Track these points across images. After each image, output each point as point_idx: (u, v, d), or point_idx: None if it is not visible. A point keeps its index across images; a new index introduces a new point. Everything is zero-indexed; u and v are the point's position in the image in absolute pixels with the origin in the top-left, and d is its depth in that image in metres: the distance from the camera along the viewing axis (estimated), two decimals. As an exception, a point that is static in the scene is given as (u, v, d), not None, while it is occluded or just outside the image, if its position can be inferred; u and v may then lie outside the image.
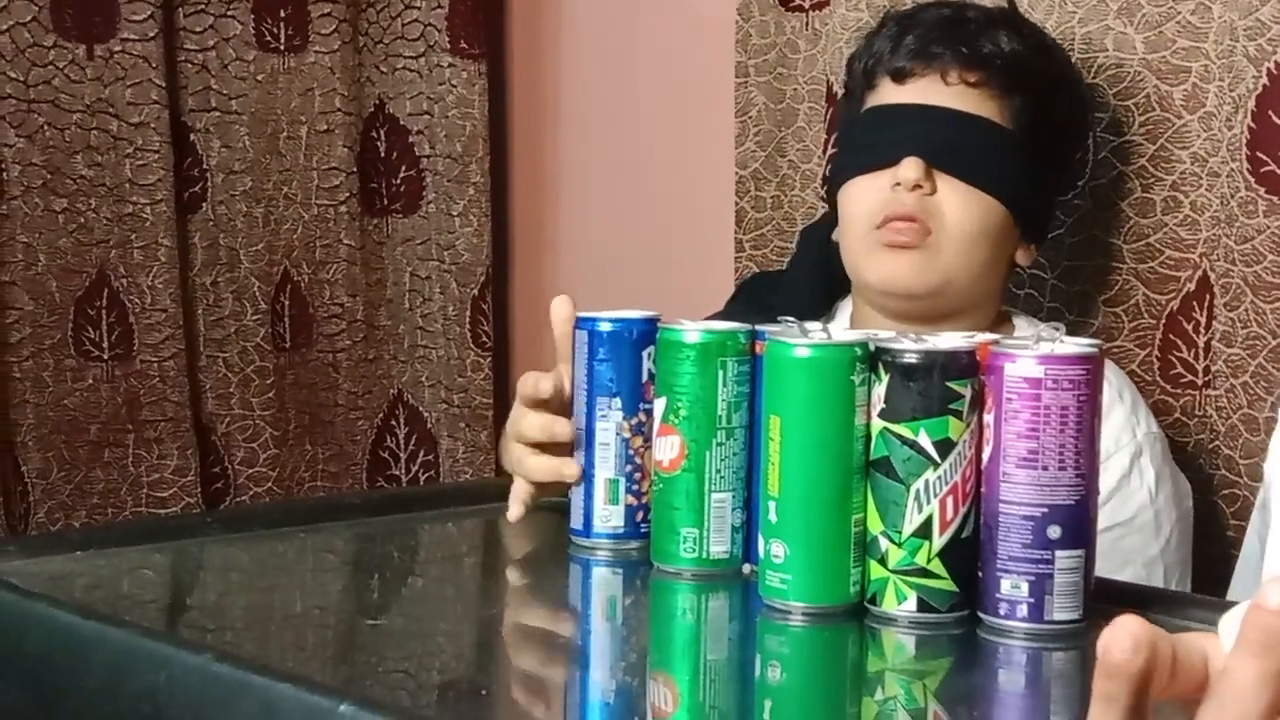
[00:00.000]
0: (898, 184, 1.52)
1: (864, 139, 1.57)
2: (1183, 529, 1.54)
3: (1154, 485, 1.52)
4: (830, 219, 1.63)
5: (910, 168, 1.52)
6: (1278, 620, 0.68)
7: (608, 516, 1.25)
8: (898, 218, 1.52)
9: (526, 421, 1.31)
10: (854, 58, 1.64)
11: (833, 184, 1.61)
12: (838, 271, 1.62)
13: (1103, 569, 1.44)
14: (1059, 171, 1.63)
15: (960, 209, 1.53)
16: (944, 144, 1.53)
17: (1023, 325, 1.61)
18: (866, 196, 1.54)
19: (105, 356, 2.12)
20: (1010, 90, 1.55)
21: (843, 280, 1.63)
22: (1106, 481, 1.50)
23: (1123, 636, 0.68)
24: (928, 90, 1.55)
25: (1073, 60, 1.65)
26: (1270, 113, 1.54)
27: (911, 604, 1.07)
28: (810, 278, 1.68)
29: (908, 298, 1.54)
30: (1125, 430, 1.52)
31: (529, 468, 1.31)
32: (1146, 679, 0.69)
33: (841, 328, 1.61)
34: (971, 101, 1.54)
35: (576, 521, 1.26)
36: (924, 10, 1.62)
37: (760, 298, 1.69)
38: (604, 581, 1.30)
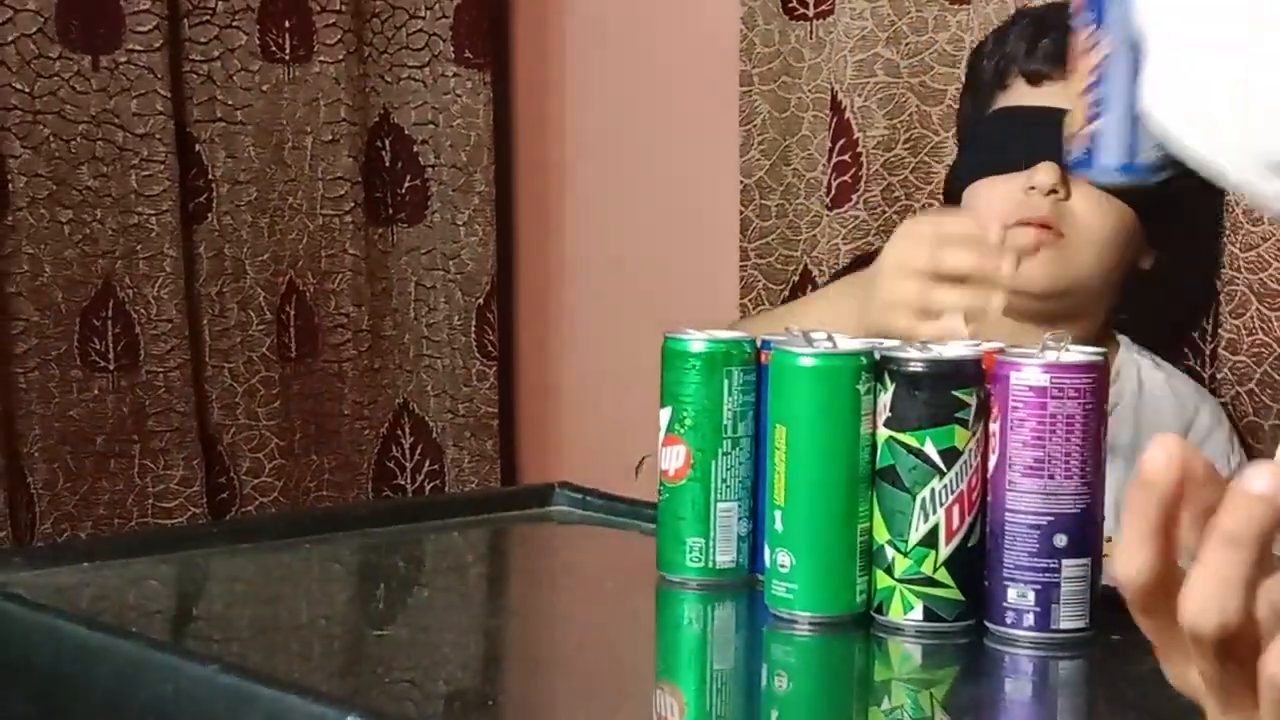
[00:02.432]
0: (1032, 188, 1.51)
1: (996, 140, 1.56)
2: None
3: None
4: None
5: (1047, 172, 1.51)
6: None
7: None
8: (1031, 222, 1.53)
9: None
10: (982, 54, 1.63)
11: (957, 182, 1.60)
12: None
13: None
14: (1182, 174, 1.63)
15: (1094, 214, 1.52)
16: None
17: (1123, 356, 1.59)
18: (999, 198, 1.54)
19: (111, 367, 2.12)
20: None
21: None
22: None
23: (1158, 451, 0.68)
24: (1064, 95, 1.54)
25: None
26: (1275, 120, 1.53)
27: (918, 613, 1.07)
28: None
29: (1039, 297, 1.53)
30: (1222, 459, 1.52)
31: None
32: (1177, 495, 0.68)
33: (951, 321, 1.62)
34: None
35: None
36: (1058, 11, 1.62)
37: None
38: (609, 591, 1.30)
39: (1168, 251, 1.61)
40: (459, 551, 1.38)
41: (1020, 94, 1.57)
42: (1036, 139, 1.53)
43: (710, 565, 1.17)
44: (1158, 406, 1.54)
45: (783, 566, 1.09)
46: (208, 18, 2.15)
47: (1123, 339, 1.62)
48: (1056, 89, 1.54)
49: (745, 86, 2.00)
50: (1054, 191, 1.51)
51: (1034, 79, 1.56)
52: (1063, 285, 1.53)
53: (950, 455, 1.06)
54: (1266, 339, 1.56)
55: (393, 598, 1.25)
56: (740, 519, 1.17)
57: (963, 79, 1.69)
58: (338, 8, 2.22)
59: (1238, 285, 1.58)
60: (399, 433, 2.32)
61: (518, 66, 2.40)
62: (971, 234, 1.32)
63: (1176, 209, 1.62)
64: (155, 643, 1.06)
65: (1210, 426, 1.53)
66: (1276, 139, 0.77)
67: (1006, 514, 1.06)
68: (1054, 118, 1.55)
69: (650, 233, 2.26)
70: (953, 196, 1.62)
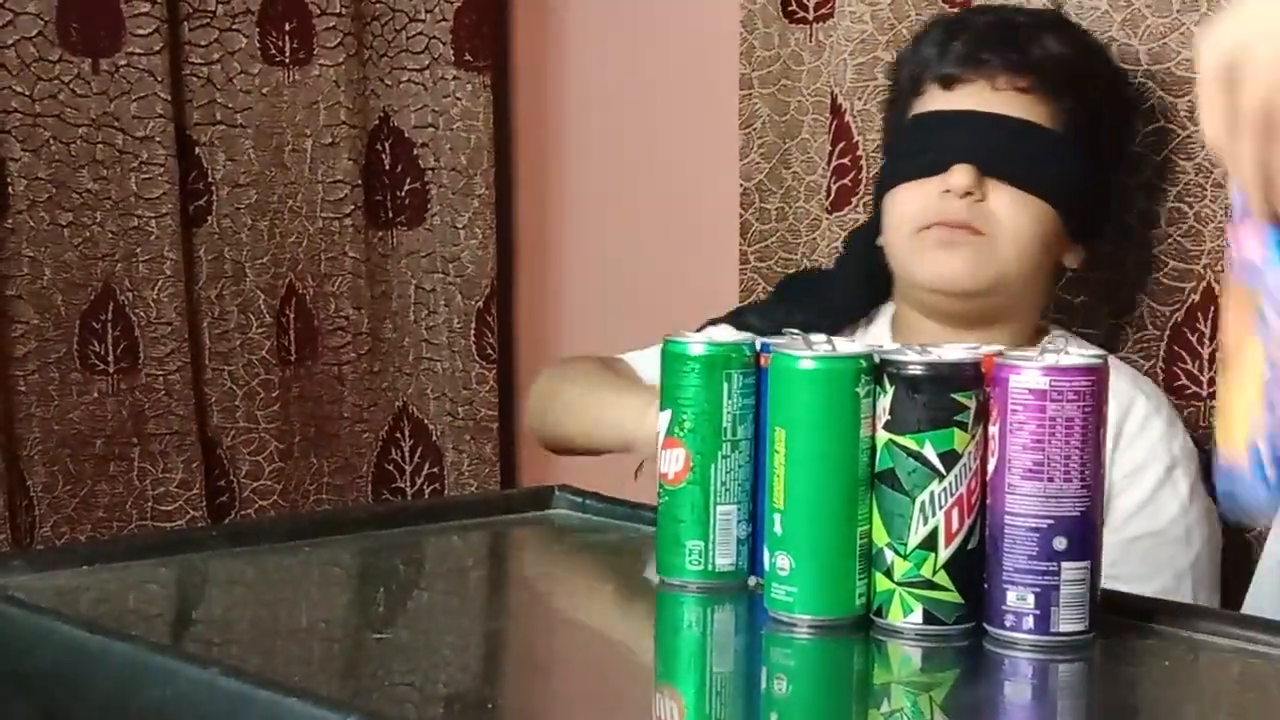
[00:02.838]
0: (948, 191, 1.52)
1: (913, 146, 1.58)
2: (1213, 549, 1.54)
3: (1187, 499, 1.52)
4: (876, 223, 1.62)
5: (961, 175, 1.52)
6: None
7: None
8: (947, 223, 1.53)
9: None
10: (900, 63, 1.64)
11: (880, 190, 1.61)
12: (881, 275, 1.62)
13: (1134, 575, 1.44)
14: (1109, 171, 1.64)
15: (1012, 214, 1.53)
16: (994, 150, 1.54)
17: (1055, 335, 1.60)
18: (915, 202, 1.55)
19: (110, 370, 2.12)
20: (1059, 93, 1.56)
21: (885, 284, 1.63)
22: (1139, 493, 1.51)
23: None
24: (977, 97, 1.56)
25: (1119, 61, 1.66)
26: (1274, 123, 1.54)
27: (917, 616, 1.07)
28: (854, 280, 1.68)
29: (961, 295, 1.54)
30: (1161, 443, 1.53)
31: None
32: None
33: (879, 331, 1.63)
34: (1021, 106, 1.55)
35: None
36: (971, 15, 1.62)
37: (800, 297, 1.69)
38: (609, 594, 1.30)
39: (1096, 249, 1.62)
40: (459, 554, 1.38)
41: (935, 99, 1.58)
42: (950, 142, 1.55)
43: (710, 568, 1.17)
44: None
45: (782, 569, 1.09)
46: (208, 20, 2.16)
47: (1059, 333, 1.63)
48: (969, 91, 1.55)
49: (745, 90, 2.00)
50: (969, 193, 1.52)
51: (946, 83, 1.57)
52: (984, 283, 1.54)
53: (950, 458, 1.06)
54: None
55: (392, 601, 1.25)
56: (740, 522, 1.17)
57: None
58: (338, 10, 2.22)
59: (1237, 288, 1.57)
60: (399, 436, 2.32)
61: (517, 69, 2.40)
62: None
63: (1104, 207, 1.63)
64: (155, 646, 1.06)
65: (1147, 414, 1.54)
66: None
67: (1006, 517, 1.06)
68: (966, 120, 1.56)
69: (650, 236, 2.26)
70: (876, 204, 1.63)
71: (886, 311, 1.64)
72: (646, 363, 1.63)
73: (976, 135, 1.54)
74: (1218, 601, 1.54)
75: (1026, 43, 1.56)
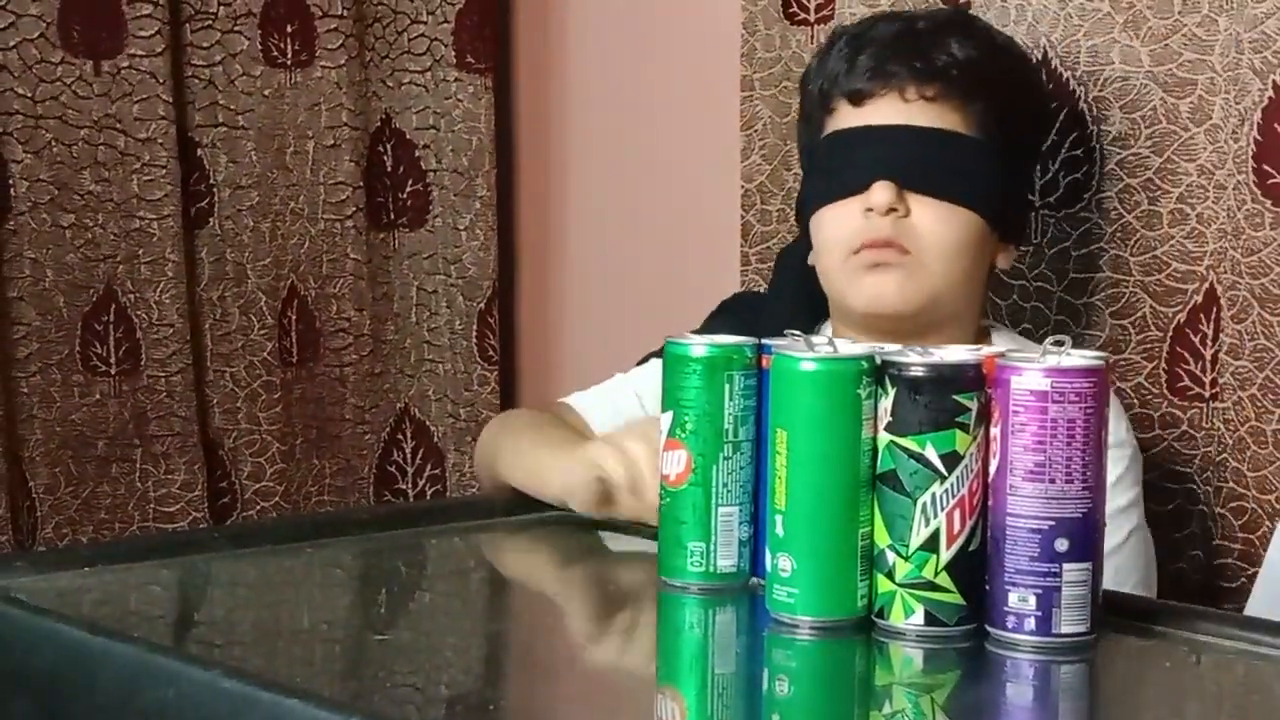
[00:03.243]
0: (870, 210, 1.51)
1: (829, 165, 1.56)
2: (1142, 538, 1.53)
3: (1112, 485, 1.52)
4: (806, 241, 1.62)
5: (881, 192, 1.51)
6: None
7: None
8: (874, 244, 1.52)
9: None
10: (806, 80, 1.62)
11: (803, 210, 1.61)
12: (818, 292, 1.61)
13: None
14: (1027, 167, 1.64)
15: (936, 226, 1.52)
16: (911, 164, 1.51)
17: (1002, 340, 1.60)
18: (840, 223, 1.54)
19: (112, 372, 2.12)
20: (970, 97, 1.54)
21: (821, 302, 1.62)
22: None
23: None
24: (888, 110, 1.54)
25: (1028, 53, 1.66)
26: (1276, 125, 1.54)
27: (919, 617, 1.07)
28: (792, 300, 1.68)
29: (894, 318, 1.53)
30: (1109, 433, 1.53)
31: None
32: None
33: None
34: (933, 115, 1.53)
35: None
36: (874, 26, 1.60)
37: (743, 318, 1.68)
38: (611, 595, 1.30)
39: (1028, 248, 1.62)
40: (460, 556, 1.39)
41: (846, 116, 1.56)
42: (867, 159, 1.53)
43: (711, 570, 1.17)
44: None
45: (784, 571, 1.09)
46: (209, 23, 2.16)
47: (1003, 333, 1.64)
48: (880, 105, 1.54)
49: (746, 91, 2.00)
50: (893, 210, 1.51)
51: (855, 99, 1.55)
52: (916, 303, 1.52)
53: (951, 460, 1.06)
54: (1268, 344, 1.56)
55: (394, 602, 1.25)
56: (741, 523, 1.17)
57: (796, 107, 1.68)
58: (339, 12, 2.22)
59: (1239, 290, 1.58)
60: (400, 437, 2.32)
61: (519, 71, 2.40)
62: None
63: (1026, 204, 1.63)
64: (157, 647, 1.06)
65: None
66: None
67: (1007, 518, 1.06)
68: (880, 135, 1.54)
69: (652, 237, 2.26)
70: (800, 222, 1.62)
71: (825, 330, 1.64)
72: (590, 404, 1.63)
73: (892, 150, 1.52)
74: (1153, 593, 1.53)
75: (931, 49, 1.54)
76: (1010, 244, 1.60)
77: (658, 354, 1.59)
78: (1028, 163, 1.63)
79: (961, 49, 1.54)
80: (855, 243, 1.52)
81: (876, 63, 1.54)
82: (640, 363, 1.69)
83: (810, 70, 1.62)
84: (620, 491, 1.34)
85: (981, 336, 1.60)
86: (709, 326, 1.70)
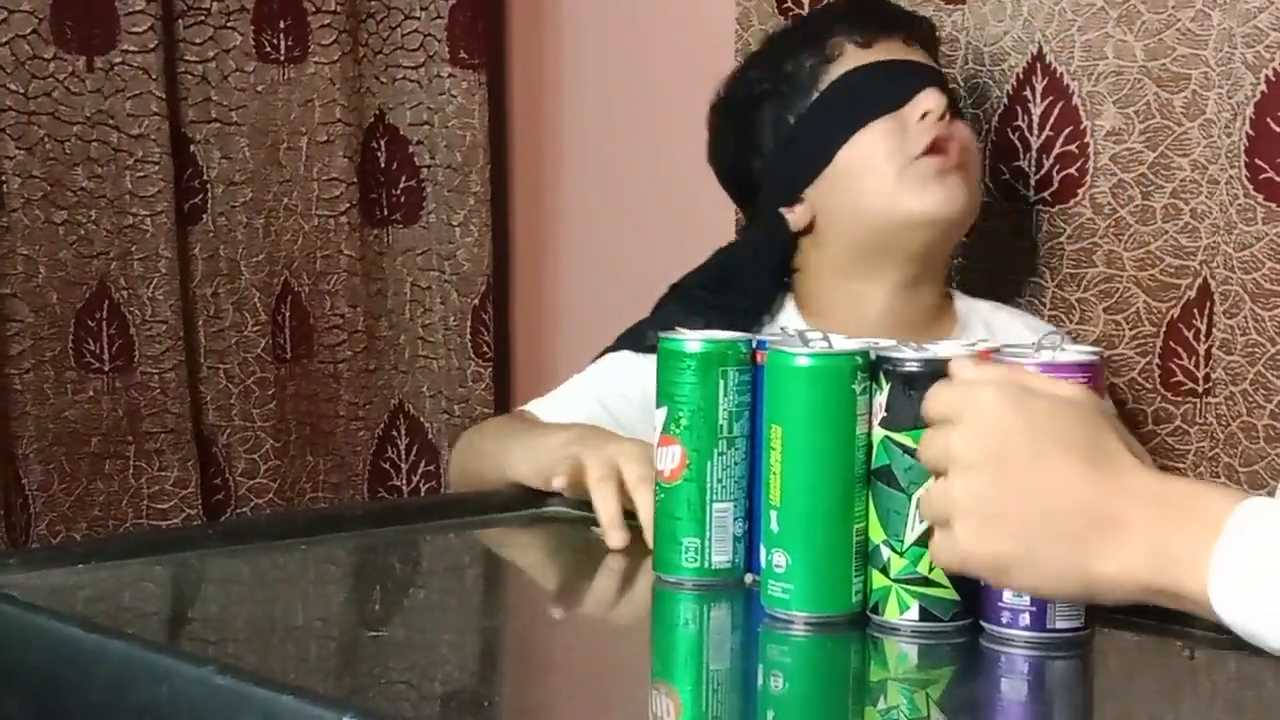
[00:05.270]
0: (924, 116, 1.57)
1: (860, 94, 1.60)
2: None
3: None
4: (771, 233, 1.65)
5: (936, 97, 1.57)
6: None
7: None
8: (941, 147, 1.57)
9: None
10: (776, 55, 1.66)
11: (820, 155, 1.61)
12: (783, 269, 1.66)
13: None
14: None
15: (971, 144, 1.62)
16: (942, 88, 1.60)
17: (962, 305, 1.66)
18: (890, 136, 1.58)
19: (106, 368, 2.12)
20: (933, 56, 1.67)
21: (771, 294, 1.66)
22: None
23: None
24: (895, 51, 1.63)
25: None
26: (1269, 120, 1.54)
27: (914, 613, 1.07)
28: (764, 273, 1.68)
29: (952, 226, 1.59)
30: None
31: None
32: None
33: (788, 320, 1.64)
34: (929, 63, 1.65)
35: None
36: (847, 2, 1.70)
37: (699, 299, 1.67)
38: (606, 592, 1.30)
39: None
40: (455, 552, 1.38)
41: (854, 57, 1.61)
42: (907, 75, 1.60)
43: (706, 566, 1.17)
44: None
45: (778, 566, 1.09)
46: (202, 18, 2.15)
47: (954, 292, 1.68)
48: (888, 46, 1.62)
49: (740, 87, 1.99)
50: (943, 116, 1.57)
51: (865, 42, 1.62)
52: (972, 213, 1.61)
53: (946, 455, 1.06)
54: (1260, 338, 1.56)
55: (389, 598, 1.25)
56: (736, 519, 1.17)
57: (741, 101, 1.69)
58: (333, 8, 2.22)
59: (1232, 284, 1.58)
60: (394, 433, 2.32)
61: (513, 67, 2.40)
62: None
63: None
64: (150, 644, 1.06)
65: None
66: None
67: (1002, 514, 1.05)
68: (904, 65, 1.61)
69: (646, 233, 2.26)
70: (790, 184, 1.63)
71: (783, 319, 1.64)
72: (548, 409, 1.62)
73: (928, 76, 1.61)
74: None
75: (902, 10, 1.68)
76: None
77: (614, 348, 1.61)
78: None
79: (920, 17, 1.69)
80: (917, 147, 1.56)
81: (879, 13, 1.65)
82: (597, 357, 1.69)
83: (787, 42, 1.66)
84: (592, 474, 1.33)
85: (947, 300, 1.66)
86: (662, 316, 1.67)
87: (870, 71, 1.60)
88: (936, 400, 1.01)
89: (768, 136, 1.66)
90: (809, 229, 1.63)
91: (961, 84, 1.78)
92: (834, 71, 1.61)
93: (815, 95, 1.62)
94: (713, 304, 1.62)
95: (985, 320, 1.64)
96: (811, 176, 1.61)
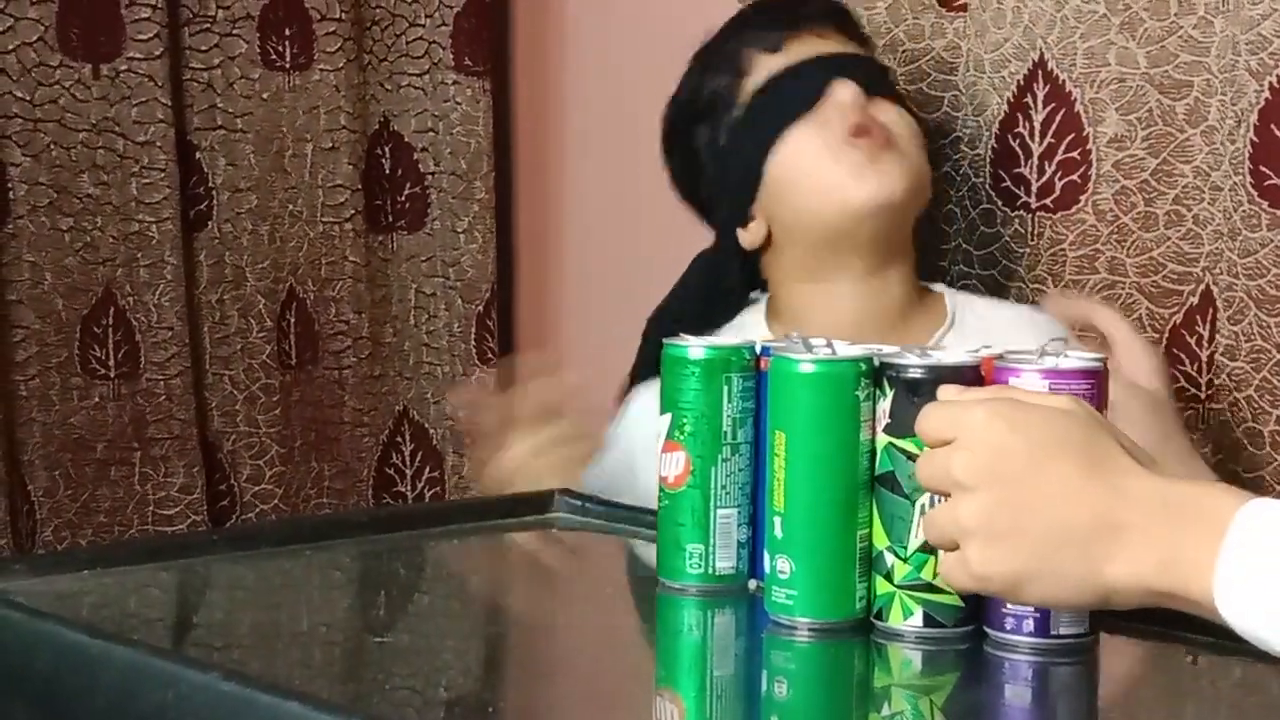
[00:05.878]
0: (841, 105, 1.57)
1: (776, 99, 1.60)
2: None
3: None
4: (731, 251, 1.66)
5: (846, 86, 1.58)
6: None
7: None
8: (864, 130, 1.57)
9: None
10: (703, 77, 1.68)
11: (750, 171, 1.61)
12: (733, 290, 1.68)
13: None
14: None
15: (898, 119, 1.61)
16: (855, 74, 1.60)
17: (953, 299, 1.64)
18: (812, 139, 1.58)
19: (111, 375, 2.12)
20: (851, 37, 1.67)
21: (737, 300, 1.68)
22: None
23: None
24: (808, 50, 1.62)
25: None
26: (1272, 126, 1.54)
27: (917, 619, 1.07)
28: (731, 295, 1.70)
29: (892, 209, 1.57)
30: None
31: None
32: None
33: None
34: (848, 48, 1.65)
35: None
36: (752, 9, 1.72)
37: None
38: (609, 598, 1.30)
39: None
40: (459, 558, 1.39)
41: (767, 65, 1.62)
42: (815, 74, 1.59)
43: (710, 572, 1.17)
44: (1021, 337, 1.50)
45: (782, 573, 1.09)
46: (208, 26, 2.16)
47: (940, 287, 1.67)
48: (799, 46, 1.61)
49: (744, 94, 2.00)
50: (868, 99, 1.58)
51: (774, 48, 1.62)
52: (912, 184, 1.58)
53: (949, 461, 1.06)
54: (1265, 345, 1.56)
55: (393, 604, 1.25)
56: (740, 525, 1.17)
57: (676, 128, 1.72)
58: (338, 16, 2.22)
59: (1236, 291, 1.58)
60: (399, 440, 2.33)
61: (517, 74, 2.40)
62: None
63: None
64: (156, 650, 1.06)
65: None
66: None
67: (1005, 520, 1.06)
68: (816, 62, 1.60)
69: (650, 240, 2.25)
70: (736, 204, 1.64)
71: (750, 320, 1.65)
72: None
73: (839, 66, 1.60)
74: None
75: (808, 6, 1.66)
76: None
77: (638, 376, 1.62)
78: None
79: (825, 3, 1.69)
80: (838, 138, 1.55)
81: (783, 14, 1.65)
82: (626, 390, 1.71)
83: (701, 69, 1.68)
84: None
85: (925, 291, 1.64)
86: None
87: (779, 78, 1.60)
88: (929, 423, 1.01)
89: (707, 160, 1.67)
90: (768, 243, 1.64)
91: (963, 91, 1.78)
92: (748, 86, 1.62)
93: (736, 113, 1.63)
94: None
95: (980, 314, 1.63)
96: (752, 193, 1.62)
